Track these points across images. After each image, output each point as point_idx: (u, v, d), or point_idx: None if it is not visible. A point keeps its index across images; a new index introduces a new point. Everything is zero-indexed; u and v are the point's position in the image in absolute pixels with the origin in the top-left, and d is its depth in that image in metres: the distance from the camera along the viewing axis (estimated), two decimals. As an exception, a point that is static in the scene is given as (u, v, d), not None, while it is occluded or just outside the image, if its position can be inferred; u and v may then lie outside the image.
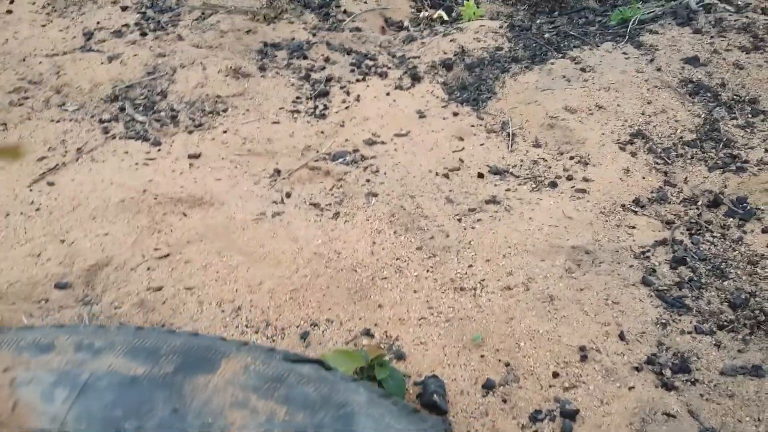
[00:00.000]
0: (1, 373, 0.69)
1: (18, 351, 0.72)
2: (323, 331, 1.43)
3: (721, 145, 1.97)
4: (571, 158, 1.97)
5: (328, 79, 2.36)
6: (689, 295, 1.52)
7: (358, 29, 2.66)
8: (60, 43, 2.52)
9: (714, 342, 1.40)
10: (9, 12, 2.76)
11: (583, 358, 1.35)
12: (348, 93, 2.30)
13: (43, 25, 2.65)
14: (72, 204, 1.78)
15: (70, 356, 0.72)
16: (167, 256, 1.61)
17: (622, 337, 1.40)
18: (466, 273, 1.57)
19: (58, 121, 2.11)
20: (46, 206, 1.78)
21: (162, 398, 0.66)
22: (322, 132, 2.13)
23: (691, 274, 1.57)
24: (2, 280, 1.51)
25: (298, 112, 2.21)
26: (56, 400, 0.66)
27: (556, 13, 2.77)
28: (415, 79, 2.35)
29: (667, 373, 1.32)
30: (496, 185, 1.88)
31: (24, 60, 2.41)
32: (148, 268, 1.57)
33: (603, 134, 2.02)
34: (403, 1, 2.88)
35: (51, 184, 1.86)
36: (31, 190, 1.84)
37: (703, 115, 2.08)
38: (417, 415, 0.67)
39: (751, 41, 2.37)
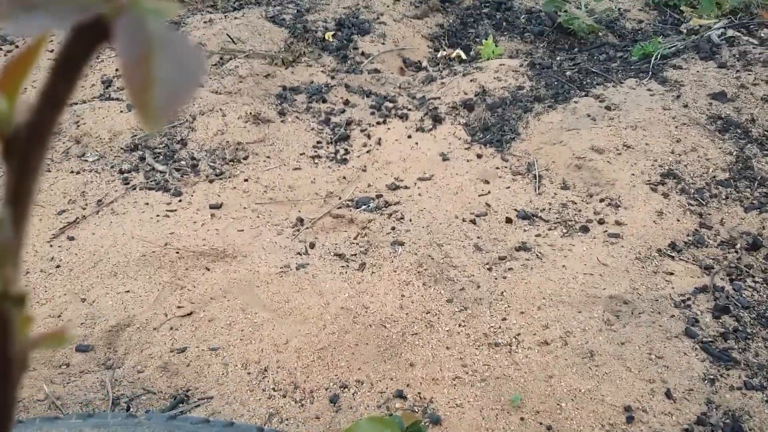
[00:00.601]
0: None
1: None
2: (354, 394, 1.37)
3: (755, 184, 1.91)
4: (601, 200, 1.92)
5: (348, 123, 2.33)
6: (736, 346, 1.45)
7: (376, 71, 2.64)
8: (78, 90, 2.51)
9: (765, 398, 1.33)
10: (27, 61, 2.76)
11: (630, 420, 1.29)
12: (369, 136, 2.27)
13: (62, 74, 2.65)
14: (93, 260, 1.75)
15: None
16: (190, 314, 1.56)
17: (668, 395, 1.33)
18: (500, 327, 1.51)
19: (78, 173, 2.09)
20: (67, 262, 1.74)
21: None
22: (344, 177, 2.09)
23: (736, 324, 1.51)
24: (23, 344, 1.47)
25: (319, 157, 2.18)
26: None
27: (576, 49, 2.74)
28: (437, 120, 2.31)
29: (720, 435, 1.25)
30: (525, 231, 1.82)
31: (43, 110, 2.41)
32: (171, 328, 1.53)
33: (633, 175, 1.97)
34: (420, 41, 2.87)
35: (71, 238, 1.83)
36: (51, 246, 1.81)
37: (734, 153, 2.03)
38: None
39: (779, 74, 2.32)
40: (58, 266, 1.73)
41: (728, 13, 2.85)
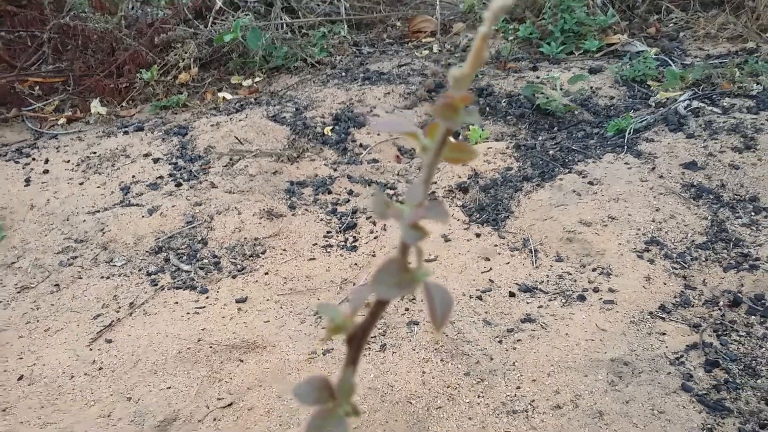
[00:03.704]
0: None
1: None
2: (390, 467, 1.51)
3: (731, 245, 2.11)
4: (594, 270, 2.10)
5: (354, 212, 2.52)
6: (728, 396, 1.61)
7: (375, 160, 2.85)
8: (99, 199, 2.69)
9: (760, 443, 1.48)
10: (46, 172, 2.95)
11: (641, 472, 1.43)
12: (374, 223, 2.46)
13: (81, 183, 2.84)
14: (132, 360, 1.89)
15: None
16: (231, 404, 1.70)
17: (673, 447, 1.48)
18: (515, 395, 1.66)
19: (108, 278, 2.25)
20: (108, 364, 1.88)
21: None
22: (356, 264, 2.26)
23: (726, 376, 1.67)
24: (80, 444, 1.60)
25: (330, 246, 2.35)
26: None
27: (556, 128, 2.98)
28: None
29: (723, 480, 1.40)
30: (528, 303, 1.99)
31: (68, 219, 2.58)
32: (215, 419, 1.66)
33: (620, 244, 2.16)
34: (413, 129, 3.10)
35: (109, 341, 1.97)
36: (91, 349, 1.95)
37: (709, 217, 2.23)
38: None
39: (742, 141, 2.56)
40: (100, 368, 1.87)
41: (692, 85, 3.11)
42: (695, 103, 2.89)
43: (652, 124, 2.82)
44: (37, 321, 2.08)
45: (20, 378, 1.86)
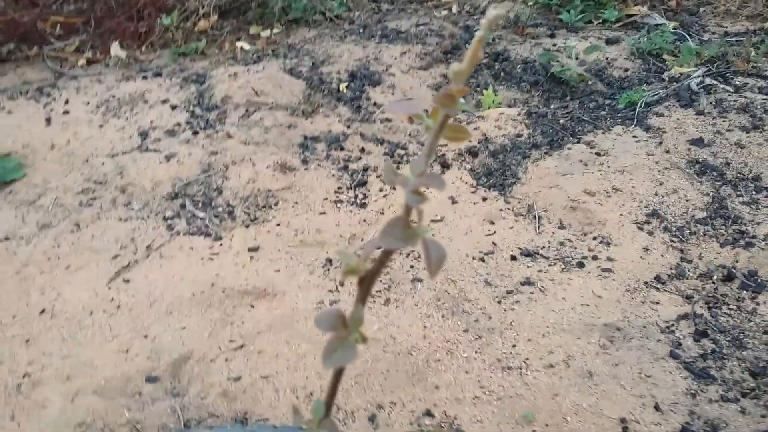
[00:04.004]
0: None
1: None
2: (389, 413, 1.61)
3: (729, 222, 2.17)
4: (594, 239, 2.17)
5: (365, 169, 2.59)
6: (713, 365, 1.69)
7: (388, 120, 2.90)
8: (118, 143, 2.76)
9: (739, 409, 1.57)
10: (66, 113, 3.01)
11: (625, 429, 1.52)
12: (384, 182, 2.52)
13: (100, 126, 2.90)
14: (149, 300, 1.98)
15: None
16: (242, 347, 1.80)
17: (657, 408, 1.57)
18: (510, 353, 1.75)
19: (125, 220, 2.33)
20: (126, 303, 1.98)
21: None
22: (365, 220, 2.34)
23: (714, 346, 1.75)
24: (100, 377, 1.70)
25: (340, 202, 2.43)
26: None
27: (568, 97, 3.02)
28: (445, 166, 2.57)
29: (700, 441, 1.49)
30: (528, 267, 2.07)
31: (87, 161, 2.65)
32: (226, 359, 1.76)
33: (621, 215, 2.23)
34: (426, 91, 3.14)
35: (127, 281, 2.07)
36: (109, 288, 2.04)
37: (711, 194, 2.29)
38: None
39: (750, 121, 2.60)
40: (118, 306, 1.97)
41: (706, 62, 3.13)
42: (708, 80, 2.92)
43: (664, 98, 2.85)
44: (58, 258, 2.17)
45: (42, 312, 1.95)
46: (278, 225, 2.30)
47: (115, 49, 3.58)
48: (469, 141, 2.69)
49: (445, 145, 2.70)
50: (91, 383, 1.68)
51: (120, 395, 1.65)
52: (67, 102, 3.09)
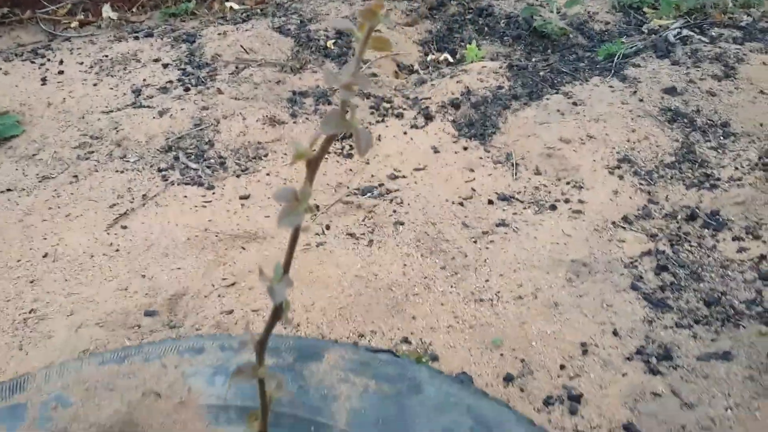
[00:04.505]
0: (174, 369, 1.00)
1: (180, 354, 1.03)
2: (369, 341, 1.74)
3: (696, 166, 2.28)
4: (568, 183, 2.28)
5: (351, 122, 2.68)
6: (671, 296, 1.82)
7: (374, 75, 2.99)
8: (113, 100, 2.86)
9: (692, 334, 1.70)
10: (61, 72, 3.10)
11: (584, 352, 1.66)
12: (370, 133, 2.63)
13: (95, 84, 2.99)
14: (145, 244, 2.10)
15: (218, 355, 1.03)
16: (234, 284, 1.92)
17: (615, 333, 1.71)
18: (483, 287, 1.88)
19: (122, 172, 2.44)
20: (124, 247, 2.10)
21: (290, 379, 0.97)
22: (351, 170, 2.45)
23: (673, 279, 1.88)
24: (101, 311, 1.83)
25: (328, 153, 2.53)
26: (217, 385, 0.97)
27: (549, 51, 3.10)
28: (428, 118, 2.67)
29: (653, 361, 1.62)
30: (504, 210, 2.19)
31: (83, 117, 2.75)
32: (219, 296, 1.89)
33: (594, 161, 2.34)
34: (412, 47, 3.22)
35: (124, 227, 2.18)
36: (108, 234, 2.16)
37: (680, 140, 2.40)
38: (464, 384, 0.98)
39: (723, 70, 2.69)
40: (117, 250, 2.09)
41: (685, 14, 3.21)
42: (685, 32, 3.00)
43: (642, 50, 2.94)
44: (58, 207, 2.29)
45: (45, 255, 2.08)
46: (268, 175, 2.41)
47: (107, 11, 3.64)
48: (452, 93, 2.78)
49: (429, 99, 2.80)
50: (93, 317, 1.81)
51: (120, 327, 1.79)
52: (61, 62, 3.17)
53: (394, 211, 2.20)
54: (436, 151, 2.50)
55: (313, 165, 0.58)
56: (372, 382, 0.94)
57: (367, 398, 0.93)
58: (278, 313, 0.65)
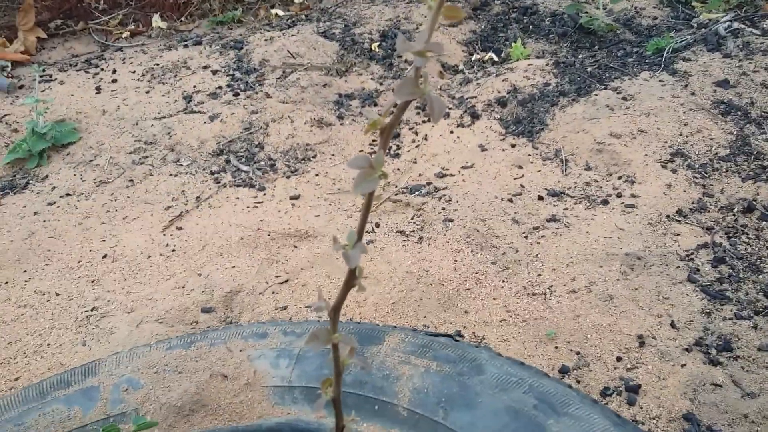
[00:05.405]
0: (239, 353, 1.03)
1: (245, 339, 1.06)
2: (422, 334, 1.74)
3: (752, 158, 2.23)
4: (619, 178, 2.25)
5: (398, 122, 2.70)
6: (729, 288, 1.78)
7: (420, 76, 3.00)
8: (165, 106, 2.93)
9: (752, 325, 1.66)
10: (114, 81, 3.20)
11: (641, 344, 1.64)
12: (416, 133, 2.64)
13: (147, 92, 3.07)
14: (200, 244, 2.15)
15: (281, 339, 1.05)
16: (287, 281, 1.95)
17: (673, 325, 1.68)
18: (536, 281, 1.87)
19: (176, 175, 2.51)
20: (180, 247, 2.15)
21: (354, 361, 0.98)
22: (398, 169, 2.46)
23: (731, 271, 1.84)
24: (160, 308, 1.88)
25: (375, 153, 2.55)
26: (281, 367, 0.99)
27: (596, 47, 3.07)
28: (474, 116, 2.67)
29: (713, 352, 1.59)
30: (554, 206, 2.17)
31: (137, 124, 2.83)
32: (273, 292, 1.92)
33: (646, 155, 2.30)
34: (455, 47, 3.23)
35: (180, 228, 2.24)
36: (164, 235, 2.22)
37: (735, 132, 2.35)
38: (524, 365, 0.98)
39: (777, 61, 2.63)
40: (173, 250, 2.14)
41: (735, 7, 3.14)
42: (736, 25, 2.94)
43: (692, 44, 2.89)
44: (116, 210, 2.36)
45: (104, 256, 2.14)
46: (317, 175, 2.44)
47: (156, 20, 3.74)
48: (498, 92, 2.78)
49: (475, 97, 2.80)
50: (153, 314, 1.85)
51: (179, 323, 1.83)
52: (114, 71, 3.27)
53: (443, 209, 2.20)
54: (483, 149, 2.49)
55: (386, 133, 0.60)
56: (433, 363, 0.95)
57: (429, 378, 0.94)
58: (352, 278, 0.66)
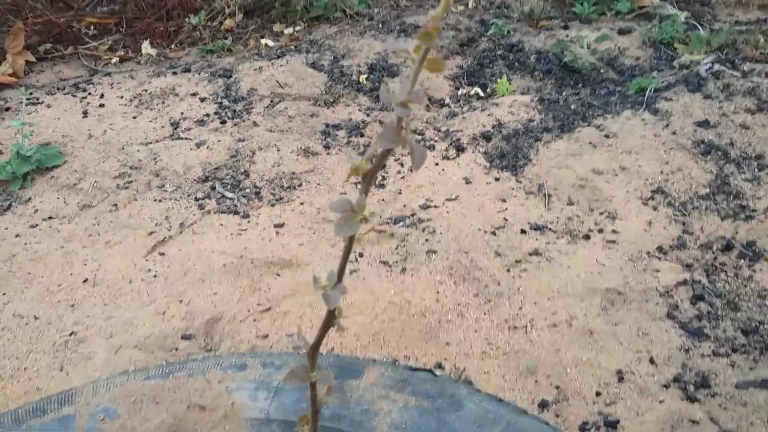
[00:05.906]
0: (218, 384, 1.02)
1: (224, 370, 1.05)
2: (403, 366, 1.74)
3: (731, 197, 2.27)
4: (601, 214, 2.28)
5: (384, 154, 2.72)
6: (708, 325, 1.80)
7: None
8: (151, 132, 2.94)
9: (729, 362, 1.68)
10: (102, 106, 3.20)
11: (621, 379, 1.64)
12: (402, 164, 2.66)
13: (134, 117, 3.08)
14: (183, 270, 2.14)
15: (260, 371, 1.05)
16: (269, 309, 1.95)
17: (652, 361, 1.69)
18: (517, 314, 1.88)
19: (160, 201, 2.50)
20: (162, 273, 2.14)
21: (331, 399, 0.98)
22: (383, 199, 2.48)
23: (709, 308, 1.86)
24: (140, 334, 1.87)
25: (360, 183, 2.57)
26: (259, 399, 0.99)
27: (580, 85, 3.13)
28: (460, 150, 2.70)
29: (691, 388, 1.60)
30: (537, 239, 2.19)
31: (123, 148, 2.83)
32: (254, 320, 1.91)
33: (627, 192, 2.34)
34: (442, 81, 3.27)
35: (162, 254, 2.23)
36: (146, 260, 2.21)
37: (714, 172, 2.39)
38: (503, 402, 0.98)
39: (756, 103, 2.69)
40: (155, 276, 2.13)
41: (716, 49, 3.22)
42: (717, 67, 3.01)
43: (673, 84, 2.95)
44: (98, 234, 2.35)
45: (85, 281, 2.13)
46: (302, 204, 2.45)
47: (146, 47, 3.77)
48: (483, 126, 2.82)
49: (460, 131, 2.84)
50: (132, 340, 1.84)
51: (158, 349, 1.81)
52: (102, 96, 3.28)
53: (427, 240, 2.22)
54: (467, 181, 2.52)
55: (368, 178, 0.61)
56: (412, 398, 0.95)
57: (408, 413, 0.94)
58: (331, 319, 0.67)
